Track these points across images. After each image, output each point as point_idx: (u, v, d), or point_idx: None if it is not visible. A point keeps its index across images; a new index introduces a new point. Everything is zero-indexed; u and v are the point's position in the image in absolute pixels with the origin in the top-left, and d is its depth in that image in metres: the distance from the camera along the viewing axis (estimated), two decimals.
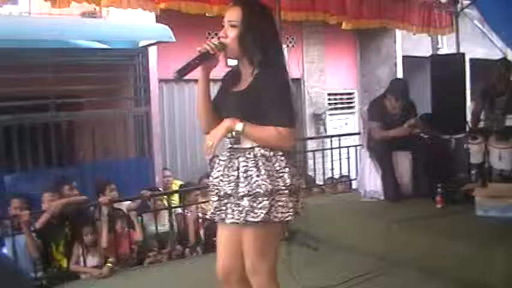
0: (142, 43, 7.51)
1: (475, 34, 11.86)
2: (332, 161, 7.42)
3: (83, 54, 7.02)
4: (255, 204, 2.47)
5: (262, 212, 2.46)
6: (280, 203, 2.50)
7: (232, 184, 2.54)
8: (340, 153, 7.48)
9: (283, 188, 2.50)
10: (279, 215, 2.50)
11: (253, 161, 2.52)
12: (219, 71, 2.76)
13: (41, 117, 6.85)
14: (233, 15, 2.59)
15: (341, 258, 4.68)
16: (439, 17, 7.80)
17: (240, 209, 2.50)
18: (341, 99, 11.12)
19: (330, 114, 10.76)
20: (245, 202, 2.48)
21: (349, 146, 7.66)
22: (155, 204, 5.78)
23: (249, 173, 2.50)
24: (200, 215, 6.14)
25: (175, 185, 7.55)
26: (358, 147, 7.14)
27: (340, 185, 7.31)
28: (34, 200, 5.50)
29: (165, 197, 6.03)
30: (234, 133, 2.56)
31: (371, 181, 5.74)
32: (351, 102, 11.29)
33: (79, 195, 5.69)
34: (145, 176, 7.38)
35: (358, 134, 7.83)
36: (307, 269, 4.18)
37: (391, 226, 4.59)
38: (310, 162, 8.21)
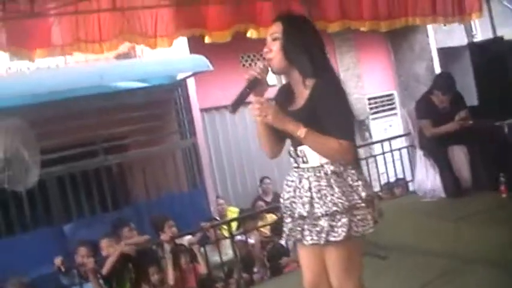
0: (180, 76, 7.55)
1: (506, 16, 11.61)
2: (386, 164, 7.27)
3: (124, 95, 7.08)
4: (334, 223, 2.42)
5: (343, 230, 2.41)
6: (359, 217, 2.45)
7: (307, 205, 2.49)
8: (392, 156, 7.33)
9: (359, 201, 2.45)
10: (360, 229, 2.45)
11: (325, 180, 2.46)
12: None
13: (91, 163, 6.92)
14: (274, 29, 2.56)
15: (412, 263, 4.54)
16: (468, 2, 7.64)
17: (319, 229, 2.45)
18: (382, 102, 10.97)
19: (373, 119, 10.62)
20: (323, 222, 2.43)
21: (401, 148, 7.52)
22: (216, 234, 5.76)
23: (323, 192, 2.45)
24: (262, 239, 6.10)
25: (230, 211, 7.56)
26: (409, 148, 7.03)
27: (397, 188, 7.18)
28: (98, 247, 5.55)
29: (224, 226, 6.02)
30: (299, 152, 2.53)
31: (429, 180, 5.64)
32: (391, 104, 11.13)
33: (138, 235, 5.73)
34: (201, 206, 7.38)
35: (407, 135, 7.68)
36: (380, 279, 4.08)
37: (459, 223, 4.48)
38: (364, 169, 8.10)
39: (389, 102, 11.11)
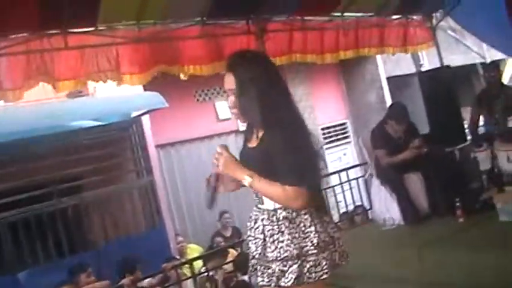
0: (134, 113, 7.48)
1: (449, 43, 12.05)
2: (343, 193, 7.32)
3: (77, 135, 6.97)
4: (285, 268, 2.42)
5: (292, 277, 2.41)
6: (311, 264, 2.43)
7: (260, 248, 2.51)
8: (350, 185, 7.41)
9: (311, 248, 2.43)
10: (313, 275, 2.43)
11: (277, 225, 2.47)
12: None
13: (45, 206, 6.76)
14: (229, 82, 2.54)
15: None
16: (416, 33, 7.90)
17: (270, 271, 2.46)
18: (335, 131, 11.16)
19: (327, 148, 10.75)
20: (275, 266, 2.44)
21: (358, 178, 7.61)
22: (177, 274, 5.66)
23: (275, 236, 2.46)
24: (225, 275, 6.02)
25: (191, 249, 7.46)
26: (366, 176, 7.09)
27: (357, 216, 7.24)
28: None
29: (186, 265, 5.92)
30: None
31: (388, 208, 5.70)
32: (345, 133, 11.32)
33: (96, 281, 5.58)
34: (160, 246, 7.26)
35: (364, 164, 7.77)
36: None
37: (421, 249, 4.53)
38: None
39: (343, 131, 11.30)
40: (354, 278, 4.87)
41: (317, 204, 2.54)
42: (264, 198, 2.52)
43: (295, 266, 2.41)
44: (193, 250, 7.44)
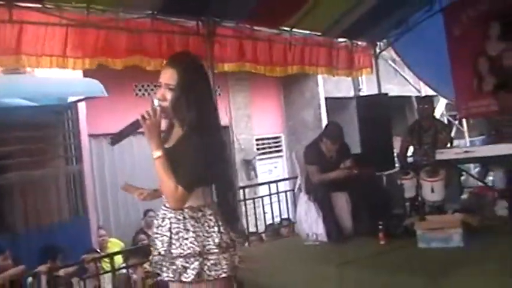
0: (71, 98, 7.31)
1: (389, 72, 12.47)
2: (271, 205, 7.38)
3: (9, 113, 6.69)
4: (187, 265, 2.58)
5: (193, 273, 2.56)
6: (212, 262, 2.59)
7: (166, 244, 2.62)
8: (278, 197, 7.48)
9: (213, 247, 2.60)
10: (213, 273, 2.59)
11: (182, 224, 2.60)
12: None
13: None
14: (168, 77, 2.62)
15: None
16: (359, 59, 8.16)
17: (174, 267, 2.60)
18: (269, 143, 11.29)
19: (259, 159, 10.86)
20: (178, 262, 2.58)
21: (287, 191, 7.70)
22: (97, 267, 5.55)
23: (180, 234, 2.60)
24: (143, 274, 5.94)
25: (111, 243, 7.33)
26: (295, 191, 7.17)
27: (284, 229, 7.33)
28: None
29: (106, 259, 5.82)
30: None
31: (313, 224, 5.78)
32: (278, 146, 11.47)
33: (13, 266, 5.40)
34: (82, 237, 7.10)
35: (294, 178, 7.87)
36: None
37: (339, 268, 4.63)
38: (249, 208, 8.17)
39: (277, 144, 11.44)
40: None
41: (226, 210, 2.72)
42: None
43: (196, 263, 2.56)
44: (114, 245, 7.32)
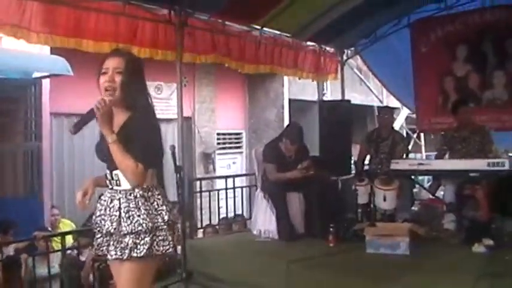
0: (35, 74, 7.17)
1: (353, 81, 12.67)
2: (227, 199, 7.43)
3: None
4: (138, 241, 2.71)
5: (144, 248, 2.71)
6: (160, 238, 2.77)
7: (115, 223, 2.74)
8: (234, 193, 7.53)
9: (162, 224, 2.77)
10: (161, 248, 2.77)
11: (134, 202, 2.74)
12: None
13: None
14: (117, 63, 2.79)
15: None
16: (326, 64, 8.28)
17: (123, 245, 2.72)
18: (230, 139, 11.34)
19: (219, 154, 10.91)
20: (128, 239, 2.71)
21: (243, 187, 7.77)
22: (47, 245, 5.52)
23: (131, 212, 2.73)
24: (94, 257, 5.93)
25: (63, 224, 7.27)
26: (251, 187, 7.26)
27: (235, 224, 7.39)
28: None
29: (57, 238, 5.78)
30: (113, 175, 2.79)
31: (266, 221, 5.87)
32: (239, 142, 11.54)
33: None
34: (35, 214, 7.02)
35: (251, 175, 7.95)
36: None
37: (288, 265, 4.73)
38: (205, 201, 8.20)
39: (237, 140, 11.51)
40: (217, 280, 5.04)
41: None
42: (121, 179, 2.78)
43: (147, 239, 2.71)
44: (66, 225, 7.27)
